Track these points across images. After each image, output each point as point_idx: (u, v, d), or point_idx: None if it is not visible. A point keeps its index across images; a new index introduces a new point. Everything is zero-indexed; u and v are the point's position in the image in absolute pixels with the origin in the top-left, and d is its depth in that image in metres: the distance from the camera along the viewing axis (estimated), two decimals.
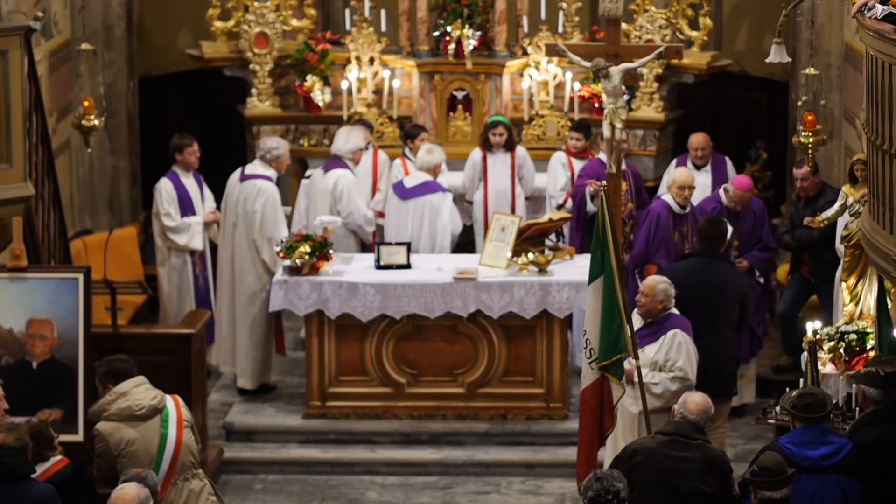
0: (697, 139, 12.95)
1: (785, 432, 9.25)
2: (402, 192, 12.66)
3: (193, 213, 12.77)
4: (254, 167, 12.51)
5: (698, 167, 12.90)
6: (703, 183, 12.78)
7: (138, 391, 8.82)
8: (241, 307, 12.41)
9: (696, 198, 12.50)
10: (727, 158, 13.12)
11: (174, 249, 12.74)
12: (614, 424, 9.64)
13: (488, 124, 13.20)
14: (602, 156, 12.43)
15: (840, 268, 11.03)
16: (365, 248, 12.77)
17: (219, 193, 12.90)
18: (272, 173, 12.46)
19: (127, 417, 8.74)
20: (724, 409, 10.93)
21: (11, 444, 7.97)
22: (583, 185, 12.53)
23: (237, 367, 12.50)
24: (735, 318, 10.97)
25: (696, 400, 8.62)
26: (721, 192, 12.19)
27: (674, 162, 13.12)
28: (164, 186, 12.73)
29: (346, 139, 12.68)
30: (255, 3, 13.99)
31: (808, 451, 8.29)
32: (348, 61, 14.00)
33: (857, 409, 9.51)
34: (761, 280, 12.17)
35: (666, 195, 12.08)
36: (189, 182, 12.82)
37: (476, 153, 13.26)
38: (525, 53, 13.94)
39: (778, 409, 10.11)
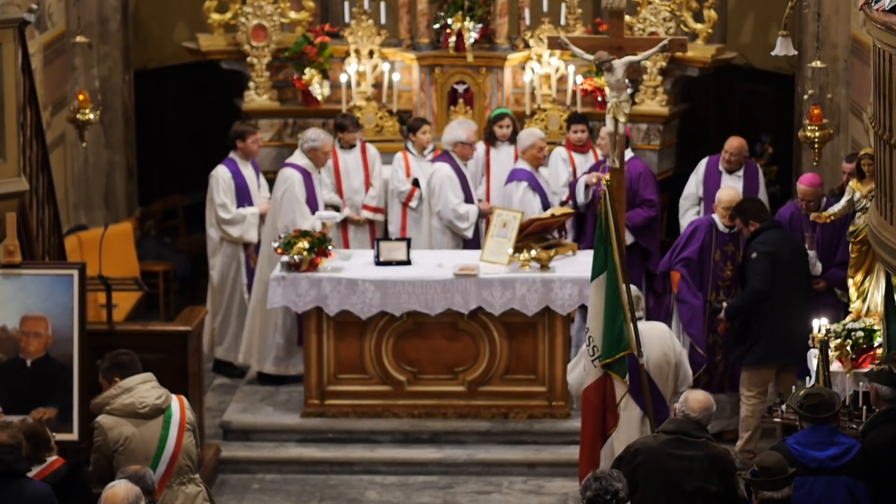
0: (734, 143, 12.57)
1: (791, 430, 9.25)
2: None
3: (250, 203, 12.67)
4: (293, 157, 12.53)
5: (729, 171, 12.65)
6: (734, 188, 12.54)
7: (144, 388, 8.77)
8: (260, 292, 12.31)
9: None
10: (759, 168, 12.86)
11: (227, 240, 12.61)
12: (617, 423, 9.56)
13: (493, 117, 13.15)
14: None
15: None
16: (466, 244, 12.64)
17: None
18: (305, 163, 12.42)
19: (129, 414, 8.69)
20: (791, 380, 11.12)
21: (6, 442, 7.95)
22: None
23: (256, 353, 12.44)
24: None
25: (697, 398, 8.55)
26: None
27: (703, 162, 12.80)
28: (222, 175, 12.62)
29: (446, 131, 12.70)
30: None
31: (815, 452, 8.24)
32: (347, 54, 13.93)
33: (865, 407, 9.47)
34: (845, 300, 11.45)
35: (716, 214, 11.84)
36: (247, 171, 12.73)
37: (479, 147, 13.19)
38: (527, 46, 13.88)
39: (784, 407, 10.02)
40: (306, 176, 12.47)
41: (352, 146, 13.02)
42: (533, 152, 12.66)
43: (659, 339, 10.10)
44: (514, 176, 12.70)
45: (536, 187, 12.64)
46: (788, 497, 7.82)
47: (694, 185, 12.76)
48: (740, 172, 12.61)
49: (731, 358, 11.46)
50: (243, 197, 12.63)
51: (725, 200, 11.68)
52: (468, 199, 12.69)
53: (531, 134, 12.81)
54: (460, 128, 12.72)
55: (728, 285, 11.63)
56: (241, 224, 12.60)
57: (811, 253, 11.46)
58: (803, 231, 11.59)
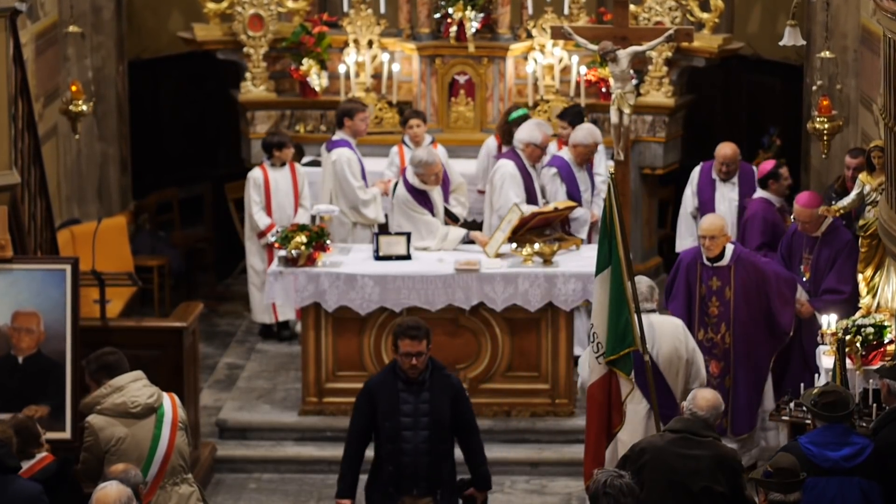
0: (725, 152, 12.28)
1: (800, 429, 9.26)
2: None
3: (367, 184, 12.51)
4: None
5: (723, 180, 12.39)
6: (729, 196, 12.31)
7: (135, 387, 8.70)
8: None
9: (723, 212, 11.94)
10: (755, 168, 12.60)
11: (360, 224, 12.43)
12: (623, 421, 9.45)
13: (514, 119, 12.76)
14: (767, 195, 11.87)
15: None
16: None
17: (205, 181, 12.65)
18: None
19: (121, 414, 8.62)
20: None
21: None
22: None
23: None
24: None
25: (706, 396, 8.44)
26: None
27: (696, 169, 12.58)
28: (349, 156, 12.39)
29: (522, 129, 12.32)
30: None
31: (829, 452, 8.12)
32: (346, 44, 13.87)
33: (874, 405, 9.35)
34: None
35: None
36: (358, 151, 12.51)
37: (491, 142, 13.11)
38: (529, 36, 13.86)
39: (792, 405, 9.89)
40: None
41: (283, 164, 12.76)
42: (587, 151, 12.33)
43: (671, 334, 9.89)
44: (551, 161, 12.45)
45: (567, 177, 12.39)
46: (798, 501, 7.71)
47: (690, 197, 12.50)
48: (735, 179, 12.39)
49: None
50: (363, 177, 12.48)
51: (702, 230, 10.97)
52: (533, 199, 12.33)
53: (592, 134, 12.32)
54: (537, 129, 12.34)
55: (715, 322, 10.99)
56: (375, 204, 12.44)
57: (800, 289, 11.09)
58: (802, 252, 11.26)
